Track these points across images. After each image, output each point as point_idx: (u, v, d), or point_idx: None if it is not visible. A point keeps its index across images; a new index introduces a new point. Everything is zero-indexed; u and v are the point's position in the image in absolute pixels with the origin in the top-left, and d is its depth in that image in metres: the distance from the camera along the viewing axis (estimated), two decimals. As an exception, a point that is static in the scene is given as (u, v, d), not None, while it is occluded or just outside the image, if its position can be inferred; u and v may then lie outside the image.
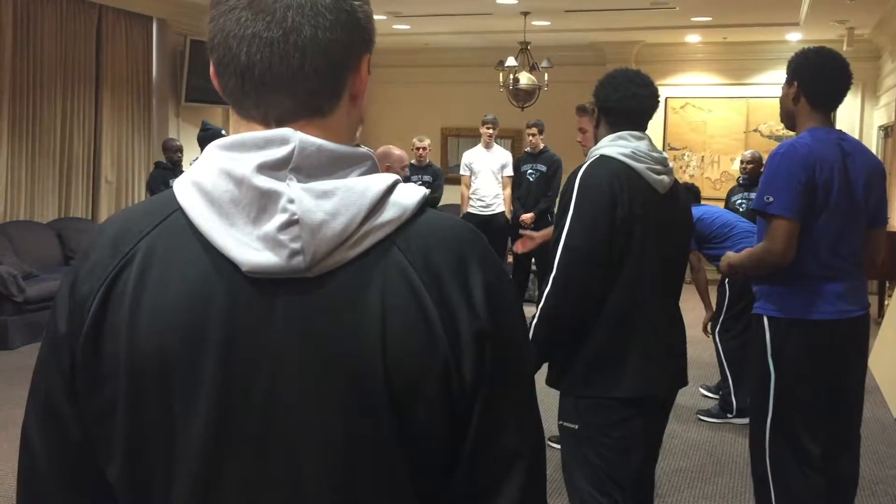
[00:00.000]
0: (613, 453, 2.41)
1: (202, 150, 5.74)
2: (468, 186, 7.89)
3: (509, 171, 7.77)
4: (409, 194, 0.87)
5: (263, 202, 0.81)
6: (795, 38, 10.23)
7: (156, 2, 8.45)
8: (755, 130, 10.63)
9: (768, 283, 2.96)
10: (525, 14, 8.93)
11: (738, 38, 10.24)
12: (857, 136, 10.51)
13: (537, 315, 2.45)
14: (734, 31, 9.95)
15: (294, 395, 0.83)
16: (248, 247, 0.81)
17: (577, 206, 2.41)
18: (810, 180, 2.80)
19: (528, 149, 7.88)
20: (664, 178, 2.50)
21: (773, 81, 11.13)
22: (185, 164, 7.19)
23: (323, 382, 0.83)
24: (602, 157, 2.49)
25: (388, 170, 4.92)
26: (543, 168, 7.67)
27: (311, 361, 0.83)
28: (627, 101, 2.51)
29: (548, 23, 9.57)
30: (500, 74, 9.14)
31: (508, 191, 7.75)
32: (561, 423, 2.49)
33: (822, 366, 2.88)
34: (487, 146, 7.85)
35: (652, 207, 2.44)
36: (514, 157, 8.03)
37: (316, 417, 0.83)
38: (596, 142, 2.60)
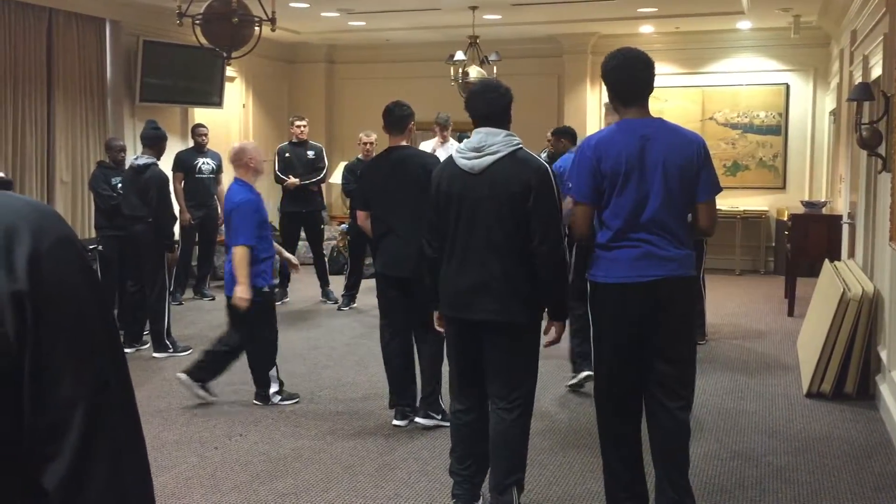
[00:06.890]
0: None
1: (145, 147, 5.81)
2: None
3: None
4: None
5: None
6: (746, 27, 10.32)
7: (107, 4, 8.58)
8: (711, 118, 10.75)
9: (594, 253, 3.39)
10: (473, 8, 9.07)
11: (691, 28, 10.36)
12: (809, 123, 10.65)
13: None
14: (686, 21, 10.07)
15: None
16: None
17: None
18: (595, 168, 3.22)
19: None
20: (473, 162, 3.38)
21: (727, 70, 11.18)
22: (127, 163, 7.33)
23: None
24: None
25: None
26: None
27: None
28: (474, 106, 3.49)
29: (499, 16, 9.71)
30: (451, 69, 9.28)
31: None
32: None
33: (619, 322, 3.28)
34: (444, 142, 8.20)
35: (461, 186, 3.40)
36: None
37: None
38: None
